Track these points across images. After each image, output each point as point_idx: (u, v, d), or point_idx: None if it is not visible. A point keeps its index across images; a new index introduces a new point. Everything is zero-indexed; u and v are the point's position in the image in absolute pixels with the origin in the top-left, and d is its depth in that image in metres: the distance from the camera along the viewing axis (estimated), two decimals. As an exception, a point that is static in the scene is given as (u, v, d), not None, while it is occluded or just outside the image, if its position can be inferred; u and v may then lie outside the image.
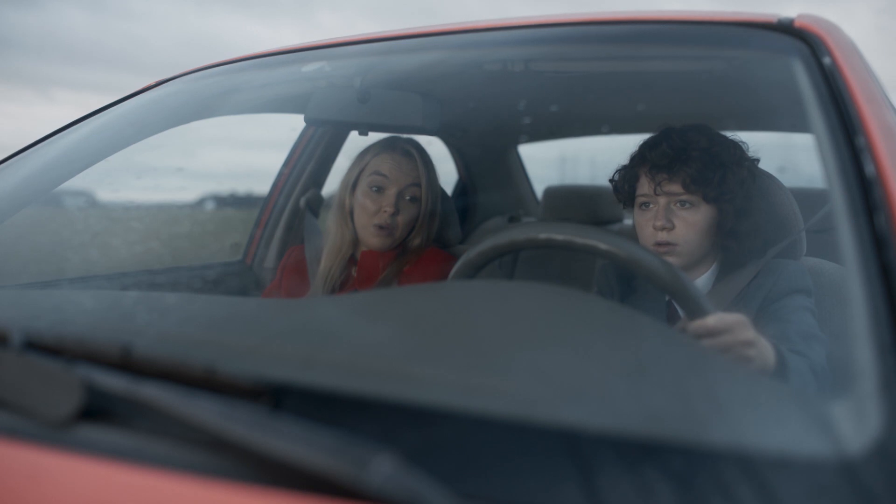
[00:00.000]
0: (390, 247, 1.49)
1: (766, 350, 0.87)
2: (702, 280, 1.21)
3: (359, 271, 1.51)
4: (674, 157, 1.16)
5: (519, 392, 0.54)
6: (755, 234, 1.17)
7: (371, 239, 1.48)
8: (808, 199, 1.27)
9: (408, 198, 1.48)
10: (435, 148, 2.63)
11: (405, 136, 1.57)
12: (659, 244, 1.17)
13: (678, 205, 1.17)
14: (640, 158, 1.22)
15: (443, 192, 1.67)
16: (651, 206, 1.20)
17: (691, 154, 1.16)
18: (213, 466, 0.50)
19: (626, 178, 1.25)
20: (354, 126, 1.74)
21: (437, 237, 1.59)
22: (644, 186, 1.20)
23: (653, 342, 0.64)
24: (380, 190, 1.47)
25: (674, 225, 1.16)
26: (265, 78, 1.39)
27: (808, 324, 1.08)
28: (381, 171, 1.48)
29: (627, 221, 2.36)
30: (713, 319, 0.81)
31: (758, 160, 1.23)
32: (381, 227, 1.46)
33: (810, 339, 1.04)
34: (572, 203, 2.32)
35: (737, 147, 1.20)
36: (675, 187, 1.16)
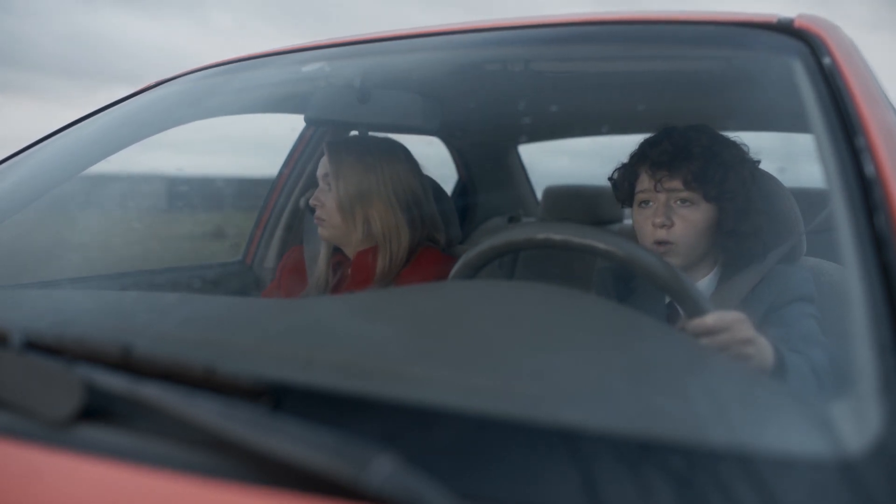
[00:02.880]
0: (330, 236, 1.51)
1: (764, 348, 0.86)
2: (704, 283, 1.21)
3: (353, 272, 1.51)
4: (675, 154, 1.16)
5: (519, 392, 0.54)
6: (756, 236, 1.17)
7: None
8: (809, 199, 1.27)
9: (326, 188, 1.50)
10: (435, 148, 2.63)
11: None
12: (658, 243, 1.17)
13: (678, 203, 1.17)
14: (641, 156, 1.22)
15: (442, 191, 1.66)
16: (651, 203, 1.19)
17: (693, 151, 1.15)
18: (213, 466, 0.50)
19: (626, 176, 1.24)
20: (354, 126, 1.75)
21: (430, 237, 1.58)
22: (644, 183, 1.20)
23: (653, 342, 0.64)
24: (320, 190, 1.52)
25: (673, 223, 1.16)
26: (265, 78, 1.39)
27: (811, 329, 1.07)
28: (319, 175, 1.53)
29: (627, 221, 2.36)
30: (712, 318, 0.81)
31: (758, 161, 1.22)
32: (316, 218, 1.50)
33: (812, 342, 1.03)
34: (572, 203, 2.32)
35: (738, 148, 1.20)
36: (676, 184, 1.16)
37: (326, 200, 1.49)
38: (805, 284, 1.13)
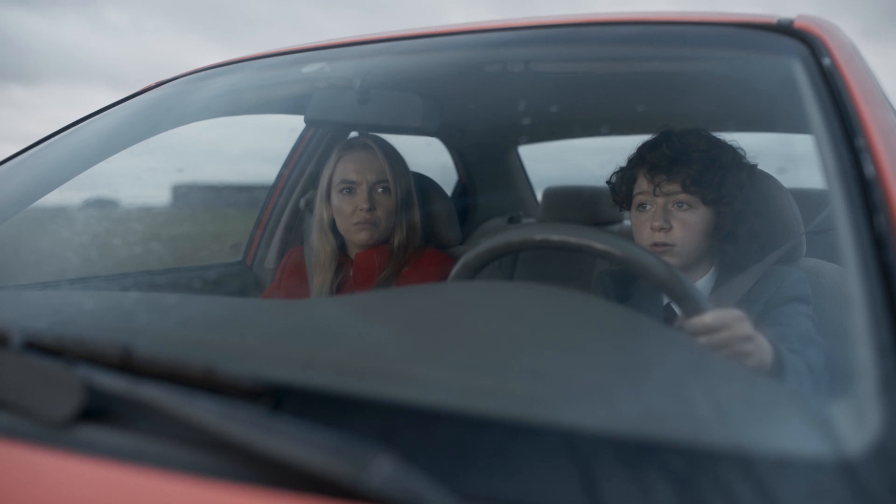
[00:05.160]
0: (378, 239, 1.50)
1: (763, 346, 0.87)
2: (700, 283, 1.21)
3: (355, 273, 1.51)
4: (673, 158, 1.16)
5: (519, 392, 0.54)
6: (753, 238, 1.17)
7: (357, 236, 1.49)
8: (808, 199, 1.27)
9: (380, 190, 1.49)
10: (435, 148, 2.63)
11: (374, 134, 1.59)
12: (656, 245, 1.17)
13: (676, 206, 1.17)
14: (639, 159, 1.22)
15: (442, 192, 1.66)
16: (649, 206, 1.20)
17: (691, 155, 1.16)
18: (213, 466, 0.50)
19: (624, 180, 1.25)
20: (354, 126, 1.75)
21: (430, 236, 1.58)
22: (642, 187, 1.20)
23: (652, 342, 0.64)
24: (351, 191, 1.49)
25: (671, 226, 1.16)
26: (265, 78, 1.39)
27: (807, 328, 1.08)
28: (347, 174, 1.49)
29: (627, 222, 2.36)
30: (710, 316, 0.81)
31: (755, 165, 1.23)
32: (361, 223, 1.47)
33: (808, 341, 1.04)
34: (572, 204, 2.32)
35: (735, 151, 1.20)
36: (674, 188, 1.16)
37: (381, 204, 1.48)
38: (801, 285, 1.14)
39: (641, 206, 1.21)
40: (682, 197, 1.16)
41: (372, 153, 1.50)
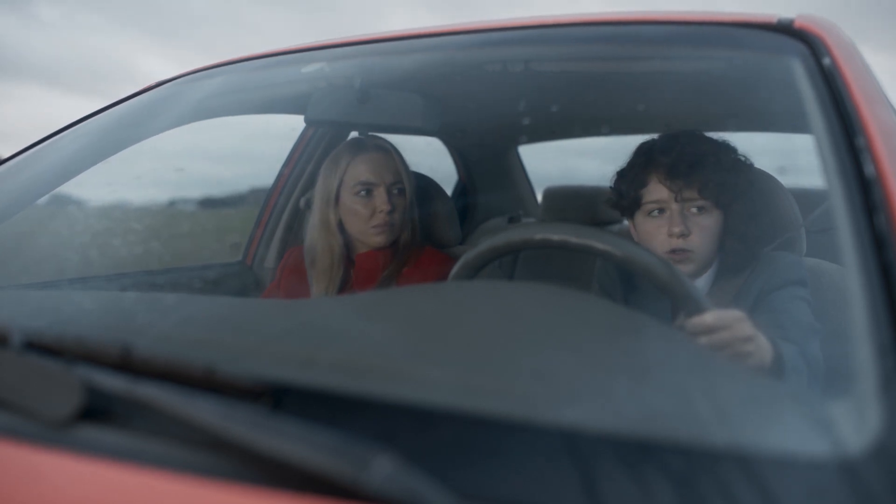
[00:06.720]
0: (393, 241, 1.50)
1: (763, 346, 0.87)
2: (702, 280, 1.21)
3: (356, 273, 1.51)
4: (691, 163, 1.15)
5: (519, 392, 0.54)
6: (760, 237, 1.17)
7: (374, 239, 1.47)
8: (809, 199, 1.27)
9: (395, 192, 1.49)
10: (435, 148, 2.63)
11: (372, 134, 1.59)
12: (674, 251, 1.15)
13: (694, 210, 1.16)
14: (649, 163, 1.19)
15: (442, 191, 1.67)
16: (665, 212, 1.17)
17: (706, 159, 1.15)
18: (213, 466, 0.50)
19: (634, 185, 1.22)
20: (354, 126, 1.75)
21: (429, 235, 1.58)
22: (657, 192, 1.17)
23: (652, 342, 0.64)
24: (369, 193, 1.47)
25: (690, 231, 1.15)
26: (265, 78, 1.39)
27: (804, 313, 1.08)
28: (364, 175, 1.47)
29: (626, 222, 2.35)
30: (711, 316, 0.81)
31: (752, 163, 1.23)
32: (380, 226, 1.46)
33: (806, 329, 1.04)
34: (572, 203, 2.32)
35: (736, 151, 1.21)
36: (692, 193, 1.15)
37: (398, 205, 1.48)
38: (795, 268, 1.13)
39: (658, 211, 1.18)
40: (700, 202, 1.15)
41: (388, 154, 1.49)
